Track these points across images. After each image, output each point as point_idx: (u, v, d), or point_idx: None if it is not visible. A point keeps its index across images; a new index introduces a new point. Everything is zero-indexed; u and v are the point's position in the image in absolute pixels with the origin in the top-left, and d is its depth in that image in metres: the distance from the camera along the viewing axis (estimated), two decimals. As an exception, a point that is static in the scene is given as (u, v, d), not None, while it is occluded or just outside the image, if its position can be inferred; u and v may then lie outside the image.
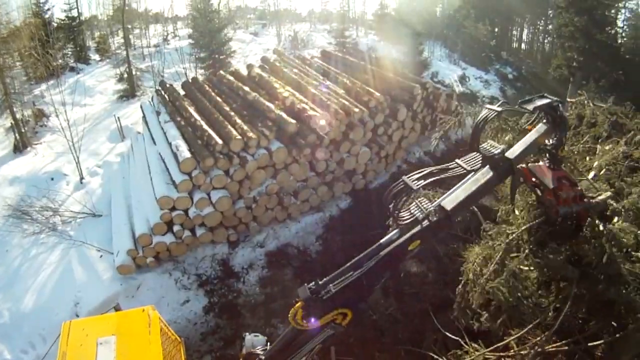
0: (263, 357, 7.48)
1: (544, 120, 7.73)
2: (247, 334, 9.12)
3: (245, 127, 14.62)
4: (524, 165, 7.55)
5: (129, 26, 32.47)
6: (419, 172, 6.85)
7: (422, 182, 6.63)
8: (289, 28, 35.02)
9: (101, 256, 14.18)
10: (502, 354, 9.21)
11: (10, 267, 14.30)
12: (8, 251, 14.91)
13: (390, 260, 6.70)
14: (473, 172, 7.25)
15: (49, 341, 11.37)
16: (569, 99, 22.02)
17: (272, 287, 14.07)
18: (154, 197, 14.12)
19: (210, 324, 13.32)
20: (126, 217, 14.88)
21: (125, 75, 25.45)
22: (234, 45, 29.04)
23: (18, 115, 20.83)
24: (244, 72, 20.47)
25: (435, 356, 9.82)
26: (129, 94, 24.89)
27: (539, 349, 8.61)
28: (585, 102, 20.60)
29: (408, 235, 6.59)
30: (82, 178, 17.75)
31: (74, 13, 30.98)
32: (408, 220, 6.66)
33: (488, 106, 7.15)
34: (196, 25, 26.69)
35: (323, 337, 6.80)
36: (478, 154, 7.10)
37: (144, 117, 19.20)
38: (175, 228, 13.93)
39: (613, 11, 31.84)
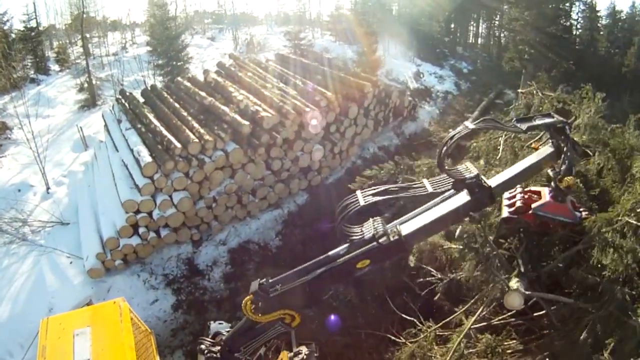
0: (225, 338, 8.32)
1: (550, 143, 7.66)
2: (212, 322, 10.22)
3: (202, 131, 15.61)
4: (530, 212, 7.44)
5: (87, 35, 33.02)
6: (375, 188, 7.01)
7: (372, 199, 6.82)
8: (245, 32, 35.77)
9: (71, 262, 14.82)
10: (453, 330, 10.50)
11: None
12: None
13: (336, 275, 7.04)
14: (441, 197, 7.16)
15: (26, 347, 11.73)
16: (519, 90, 23.76)
17: (236, 282, 15.06)
18: (119, 201, 14.92)
19: (179, 320, 14.18)
20: (93, 222, 15.61)
21: (86, 85, 26.03)
22: (192, 51, 29.82)
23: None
24: (201, 77, 21.52)
25: (392, 337, 11.09)
26: (90, 103, 25.43)
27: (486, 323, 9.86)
28: (535, 92, 22.34)
29: (355, 253, 6.77)
30: (48, 188, 18.32)
31: (33, 23, 31.41)
32: (355, 238, 6.81)
33: (466, 123, 6.85)
34: (153, 32, 27.53)
35: (274, 332, 7.63)
36: (447, 176, 6.88)
37: (105, 125, 19.97)
38: (141, 230, 14.79)
39: (567, 4, 33.77)
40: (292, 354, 9.55)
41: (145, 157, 15.20)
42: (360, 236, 6.71)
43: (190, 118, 16.80)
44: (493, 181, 6.98)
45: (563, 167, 7.16)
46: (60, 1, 38.81)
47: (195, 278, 15.38)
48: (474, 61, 37.11)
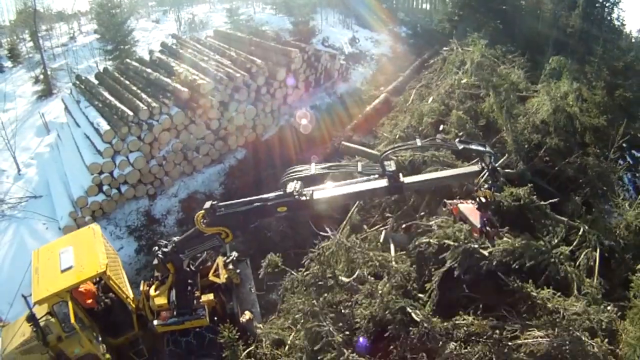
0: (175, 240, 11.86)
1: (480, 164, 10.52)
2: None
3: (149, 100, 19.54)
4: (455, 204, 10.80)
5: (34, 28, 36.08)
6: (322, 164, 10.90)
7: (312, 171, 10.60)
8: (188, 12, 39.15)
9: (47, 228, 18.36)
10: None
11: None
12: None
13: (263, 212, 10.77)
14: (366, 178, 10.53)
15: (15, 305, 13.50)
16: (444, 49, 27.74)
17: (187, 225, 18.28)
18: (84, 167, 18.76)
19: (142, 261, 17.95)
20: (64, 189, 19.25)
21: (41, 77, 29.45)
22: (137, 34, 32.90)
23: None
24: (147, 57, 25.45)
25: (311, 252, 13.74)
26: (47, 93, 28.63)
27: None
28: (455, 48, 26.57)
29: (278, 200, 10.48)
30: (19, 170, 21.52)
31: None
32: (287, 190, 10.22)
33: (417, 140, 10.36)
34: (100, 20, 30.99)
35: (211, 244, 11.46)
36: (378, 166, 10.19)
37: (66, 108, 23.59)
38: (105, 188, 18.66)
39: None
40: (225, 258, 13.75)
41: (104, 126, 19.14)
42: (285, 190, 10.44)
43: (139, 91, 20.65)
44: (409, 179, 10.53)
45: (486, 186, 10.19)
46: (3, -2, 40.80)
47: (153, 226, 19.32)
48: (414, 26, 39.57)
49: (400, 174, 10.23)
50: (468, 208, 10.64)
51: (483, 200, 10.19)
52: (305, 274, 12.17)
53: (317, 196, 10.35)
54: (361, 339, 11.00)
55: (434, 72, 26.54)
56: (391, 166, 10.18)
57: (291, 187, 10.39)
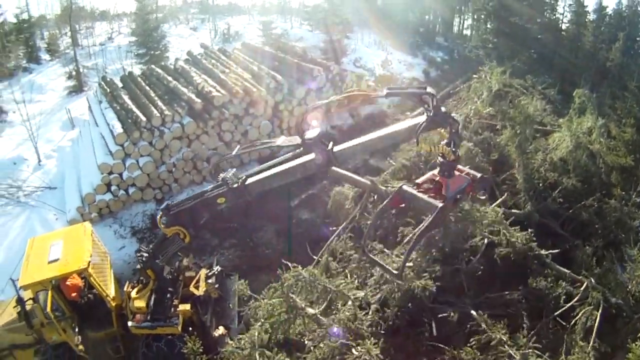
0: (151, 246, 12.73)
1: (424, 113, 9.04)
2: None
3: (164, 107, 20.70)
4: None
5: (77, 25, 38.02)
6: (248, 146, 12.05)
7: (235, 152, 11.42)
8: (226, 22, 40.34)
9: (57, 218, 19.71)
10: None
11: None
12: None
13: (205, 205, 11.25)
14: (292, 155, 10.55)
15: (17, 284, 13.33)
16: (474, 76, 28.05)
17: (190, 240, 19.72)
18: (96, 165, 19.90)
19: None
20: (76, 185, 20.54)
21: (74, 73, 31.17)
22: (173, 41, 34.76)
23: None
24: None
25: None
26: (77, 89, 30.38)
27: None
28: (484, 76, 26.77)
29: (216, 191, 10.91)
30: (39, 161, 23.05)
31: (25, 16, 36.25)
32: (219, 179, 10.73)
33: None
34: (137, 24, 32.69)
35: (176, 246, 12.16)
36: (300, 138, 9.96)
37: (89, 107, 25.02)
38: (113, 188, 19.81)
39: None
40: (208, 271, 14.27)
41: (118, 128, 20.32)
42: (219, 179, 10.91)
43: (156, 98, 21.90)
44: (339, 147, 10.06)
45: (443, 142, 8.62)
46: (50, -7, 42.87)
47: (156, 230, 19.38)
48: (451, 51, 40.20)
49: (331, 143, 9.77)
50: (425, 181, 9.05)
51: (441, 159, 8.64)
52: (265, 302, 11.50)
53: (250, 181, 10.54)
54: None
55: (459, 100, 26.38)
56: (314, 134, 9.88)
57: (224, 176, 10.77)
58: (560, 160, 16.50)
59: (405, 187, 8.72)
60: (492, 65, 23.21)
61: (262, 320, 10.93)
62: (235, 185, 10.57)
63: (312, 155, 9.96)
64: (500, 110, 19.49)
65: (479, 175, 8.97)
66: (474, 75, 26.31)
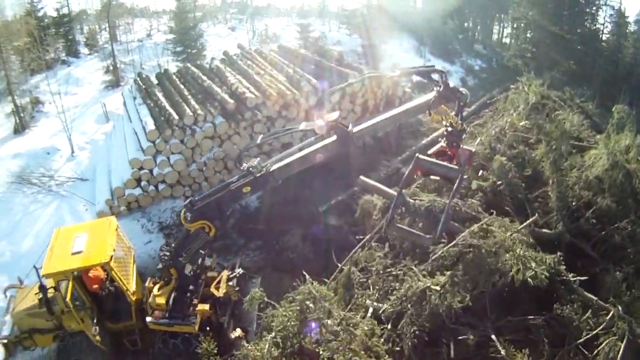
0: (173, 245, 12.97)
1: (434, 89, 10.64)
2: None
3: (196, 106, 20.91)
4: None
5: (116, 21, 38.76)
6: (271, 133, 12.34)
7: (258, 141, 12.82)
8: (264, 23, 40.57)
9: (87, 209, 20.21)
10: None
11: (12, 220, 19.61)
12: (11, 209, 20.10)
13: (231, 196, 11.74)
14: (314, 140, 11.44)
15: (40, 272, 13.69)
16: (511, 86, 27.63)
17: (216, 231, 19.84)
18: (127, 160, 20.23)
19: None
20: (107, 177, 20.94)
21: (111, 68, 31.84)
22: (211, 40, 35.17)
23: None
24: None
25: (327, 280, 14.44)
26: (114, 84, 31.05)
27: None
28: (521, 87, 26.34)
29: (242, 181, 11.45)
30: (73, 152, 23.61)
31: (65, 11, 37.23)
32: (243, 169, 11.38)
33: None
34: (175, 22, 33.24)
35: (202, 240, 12.43)
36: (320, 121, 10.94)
37: (124, 102, 25.51)
38: (143, 183, 20.09)
39: (594, 8, 36.59)
40: (230, 272, 14.41)
41: (150, 125, 20.64)
42: (244, 169, 11.45)
43: (190, 97, 22.14)
44: (358, 127, 11.15)
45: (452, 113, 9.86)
46: (91, -12, 43.83)
47: (183, 227, 20.33)
48: (490, 59, 39.94)
49: (350, 124, 10.91)
50: (436, 152, 10.36)
51: (450, 129, 9.85)
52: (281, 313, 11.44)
53: (274, 167, 11.19)
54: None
55: (494, 110, 25.52)
56: (333, 115, 10.85)
57: (249, 164, 11.33)
58: (595, 178, 15.60)
59: (421, 157, 9.93)
60: (530, 76, 22.69)
61: (275, 332, 11.00)
62: (261, 173, 11.13)
63: (332, 137, 10.84)
64: (537, 123, 19.03)
65: (472, 149, 10.38)
66: (512, 86, 25.97)
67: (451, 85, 10.31)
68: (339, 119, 10.83)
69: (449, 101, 10.28)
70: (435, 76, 11.07)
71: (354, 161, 23.39)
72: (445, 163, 9.92)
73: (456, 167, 9.75)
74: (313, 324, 10.93)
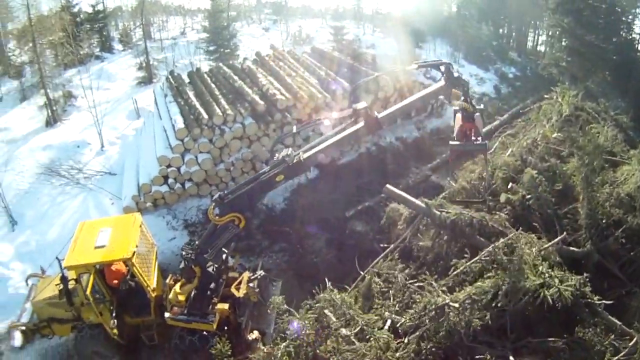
0: (197, 242, 13.12)
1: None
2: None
3: (226, 106, 21.04)
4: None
5: (150, 18, 39.21)
6: (306, 122, 13.55)
7: (294, 130, 13.41)
8: (298, 24, 40.59)
9: (113, 203, 20.56)
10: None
11: (39, 211, 20.11)
12: (39, 199, 20.65)
13: (264, 185, 12.26)
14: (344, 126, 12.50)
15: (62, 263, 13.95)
16: (545, 96, 27.08)
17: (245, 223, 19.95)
18: (156, 157, 20.43)
19: None
20: (134, 173, 21.24)
21: (144, 65, 32.22)
22: (245, 40, 35.39)
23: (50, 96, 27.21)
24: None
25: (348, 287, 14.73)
26: (147, 80, 31.32)
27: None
28: (555, 97, 25.80)
29: (275, 170, 12.02)
30: (102, 146, 23.94)
31: (100, 7, 37.71)
32: (276, 159, 12.07)
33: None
34: (209, 21, 33.48)
35: (229, 235, 12.74)
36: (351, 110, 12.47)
37: (155, 99, 25.81)
38: (170, 181, 20.28)
39: (630, 17, 35.68)
40: (252, 274, 14.48)
41: (180, 123, 20.79)
42: (277, 158, 11.93)
43: (220, 97, 22.31)
44: (382, 113, 12.57)
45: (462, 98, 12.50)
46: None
47: (208, 225, 20.49)
48: (524, 67, 39.35)
49: (375, 112, 12.64)
50: (458, 133, 12.69)
51: (465, 113, 12.37)
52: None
53: (306, 155, 12.15)
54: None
55: (527, 120, 24.83)
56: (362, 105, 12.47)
57: (282, 153, 12.12)
58: (627, 195, 14.90)
59: (452, 143, 12.48)
60: (564, 87, 22.19)
61: (289, 341, 11.06)
62: (294, 162, 11.86)
63: (361, 124, 12.24)
64: (570, 136, 18.55)
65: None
66: (545, 95, 25.36)
67: (455, 75, 13.00)
68: (367, 106, 12.38)
69: (456, 87, 12.96)
70: (443, 67, 13.24)
71: (384, 167, 23.43)
72: (472, 143, 12.67)
73: (482, 141, 12.64)
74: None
